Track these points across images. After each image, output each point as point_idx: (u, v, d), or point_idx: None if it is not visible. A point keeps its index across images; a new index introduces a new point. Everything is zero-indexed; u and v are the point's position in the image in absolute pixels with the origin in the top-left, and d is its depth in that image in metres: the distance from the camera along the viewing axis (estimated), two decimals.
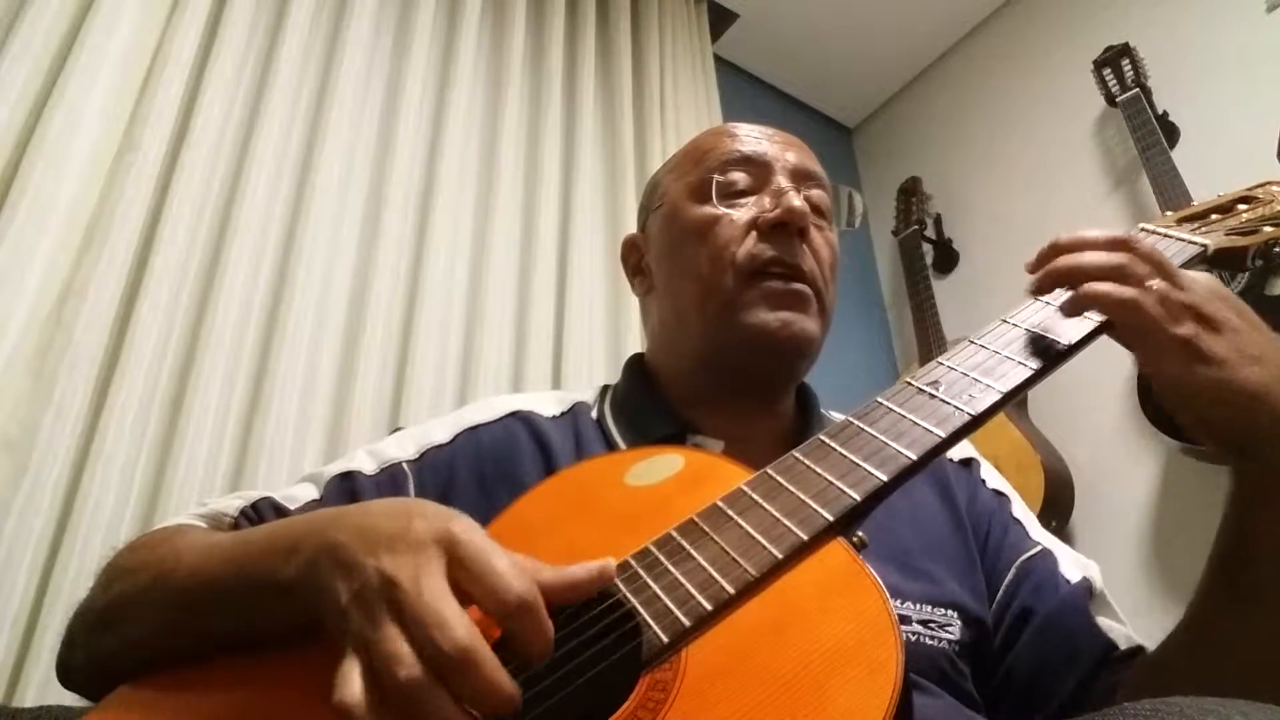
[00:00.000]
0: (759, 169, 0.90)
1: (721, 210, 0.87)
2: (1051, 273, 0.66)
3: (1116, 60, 2.27)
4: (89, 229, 1.49)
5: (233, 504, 0.78)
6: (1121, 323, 0.61)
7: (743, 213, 0.87)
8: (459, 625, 0.46)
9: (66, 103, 1.50)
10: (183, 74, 1.69)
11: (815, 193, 0.91)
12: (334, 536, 0.52)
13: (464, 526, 0.51)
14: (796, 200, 0.85)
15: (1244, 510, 0.64)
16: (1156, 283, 0.61)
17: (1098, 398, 2.17)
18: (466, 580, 0.48)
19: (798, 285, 0.84)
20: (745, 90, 2.99)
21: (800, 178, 0.90)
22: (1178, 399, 0.62)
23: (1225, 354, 0.59)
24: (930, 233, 2.81)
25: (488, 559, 0.49)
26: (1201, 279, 0.63)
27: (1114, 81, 2.26)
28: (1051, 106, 2.60)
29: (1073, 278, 0.64)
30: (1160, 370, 0.61)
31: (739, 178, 0.89)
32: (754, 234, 0.85)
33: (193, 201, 1.63)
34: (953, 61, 3.02)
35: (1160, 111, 2.20)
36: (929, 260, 2.77)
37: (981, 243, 2.73)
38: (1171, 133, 2.19)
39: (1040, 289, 0.67)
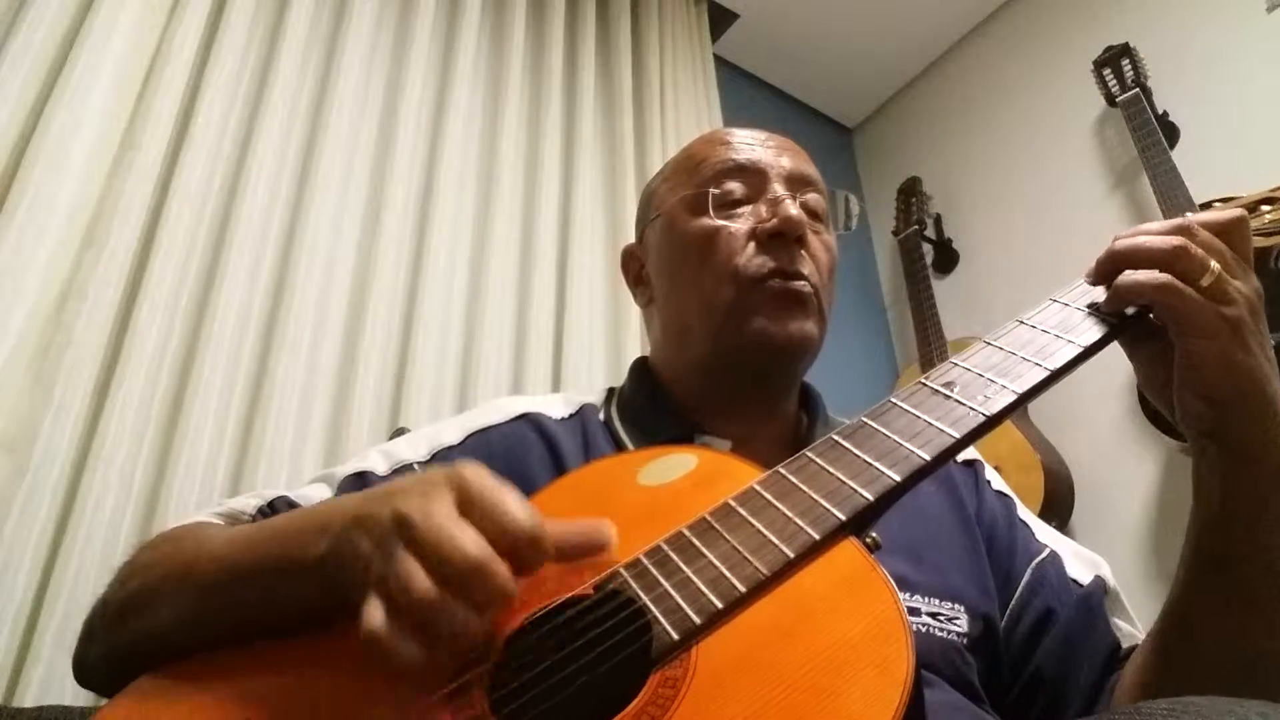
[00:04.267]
0: (754, 177, 0.90)
1: (719, 222, 0.87)
2: (1111, 256, 0.65)
3: (1116, 60, 2.28)
4: (89, 229, 1.49)
5: (249, 503, 0.79)
6: (1162, 304, 0.61)
7: (740, 223, 0.87)
8: (467, 539, 0.48)
9: (66, 103, 1.50)
10: (183, 74, 1.69)
11: (811, 197, 0.91)
12: (361, 508, 0.54)
13: (472, 468, 0.53)
14: (794, 209, 0.85)
15: (1224, 505, 0.64)
16: (1215, 265, 0.61)
17: (1098, 398, 2.17)
18: (476, 515, 0.50)
19: (797, 284, 0.84)
20: (745, 90, 2.99)
21: (796, 184, 0.90)
22: (1198, 376, 0.62)
23: (1256, 344, 0.61)
24: (930, 233, 2.81)
25: (497, 494, 0.51)
26: (1252, 279, 0.64)
27: (1114, 81, 2.27)
28: (1051, 106, 2.61)
29: (1131, 261, 0.63)
30: (1196, 348, 0.61)
31: (735, 187, 0.89)
32: (753, 244, 0.85)
33: (193, 201, 1.63)
34: (953, 61, 3.02)
35: (1160, 111, 2.21)
36: (929, 260, 2.78)
37: (981, 243, 2.73)
38: (1171, 133, 2.20)
39: (1098, 276, 0.66)
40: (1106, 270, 0.65)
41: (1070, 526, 2.18)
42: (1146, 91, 2.21)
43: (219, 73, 1.74)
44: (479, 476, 0.52)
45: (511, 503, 0.51)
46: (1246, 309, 0.61)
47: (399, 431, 1.45)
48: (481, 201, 2.03)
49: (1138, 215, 2.24)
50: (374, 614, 0.47)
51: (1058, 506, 2.15)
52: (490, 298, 1.90)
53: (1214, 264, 0.61)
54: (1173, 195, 1.99)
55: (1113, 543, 2.09)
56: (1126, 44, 2.28)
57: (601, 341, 2.02)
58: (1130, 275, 0.62)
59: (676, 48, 2.58)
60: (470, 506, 0.51)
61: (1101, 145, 2.42)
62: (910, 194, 2.84)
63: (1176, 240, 0.62)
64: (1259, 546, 0.63)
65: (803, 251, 0.85)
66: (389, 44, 2.08)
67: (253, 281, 1.65)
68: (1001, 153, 2.75)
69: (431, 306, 1.82)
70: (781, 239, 0.84)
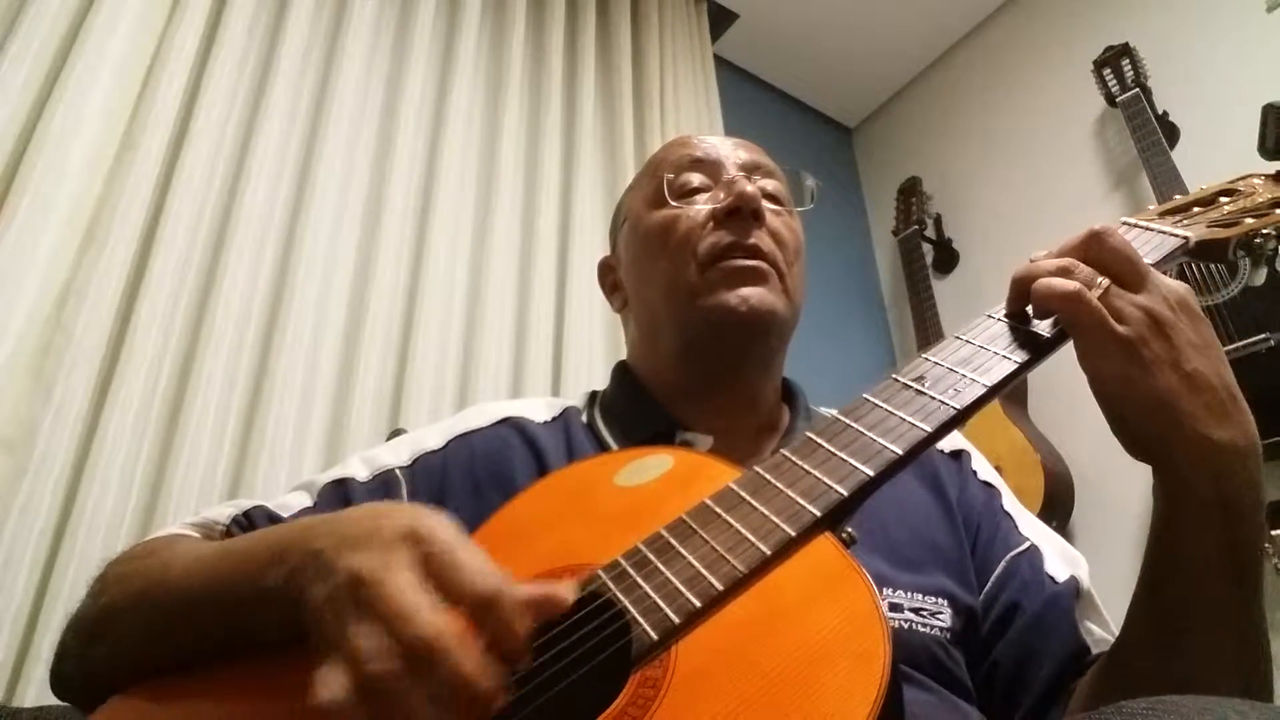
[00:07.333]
0: (711, 167, 0.93)
1: (677, 209, 0.90)
2: (1012, 283, 0.66)
3: (1116, 60, 2.27)
4: (89, 229, 1.49)
5: (225, 512, 0.78)
6: (1063, 316, 0.62)
7: (699, 208, 0.89)
8: (425, 615, 0.44)
9: (66, 103, 1.50)
10: (183, 74, 1.70)
11: (769, 182, 0.93)
12: (313, 544, 0.52)
13: (431, 522, 0.50)
14: (748, 186, 0.87)
15: (1157, 528, 0.63)
16: (1103, 280, 0.61)
17: None
18: (435, 575, 0.47)
19: (754, 262, 0.85)
20: (745, 90, 2.99)
21: (752, 170, 0.93)
22: (1105, 398, 0.61)
23: (1158, 361, 0.59)
24: (930, 233, 2.81)
25: (454, 554, 0.48)
26: (1176, 285, 0.63)
27: (1114, 81, 2.26)
28: (1051, 106, 2.60)
29: (1026, 282, 0.64)
30: (1094, 366, 0.61)
31: (692, 177, 0.92)
32: (712, 224, 0.87)
33: (193, 201, 1.63)
34: (953, 61, 3.02)
35: (1160, 111, 2.20)
36: (929, 260, 2.77)
37: (981, 243, 2.73)
38: (1171, 133, 2.19)
39: (1010, 306, 0.67)
40: (1014, 298, 0.66)
41: (1070, 526, 2.18)
42: (1146, 91, 2.21)
43: (219, 73, 1.75)
44: (438, 533, 0.49)
45: (471, 563, 0.47)
46: (1145, 325, 0.59)
47: (397, 432, 1.46)
48: (481, 201, 2.04)
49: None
50: (328, 684, 0.43)
51: (1058, 506, 2.15)
52: (490, 298, 1.91)
53: (1101, 279, 0.61)
54: (1172, 195, 1.99)
55: (1112, 542, 2.09)
56: (1126, 44, 2.28)
57: (601, 341, 2.02)
58: (1043, 281, 0.62)
59: (676, 48, 2.59)
60: (431, 567, 0.48)
61: (1101, 145, 2.42)
62: (910, 194, 2.84)
63: (1062, 261, 0.63)
64: (1183, 579, 0.62)
65: (763, 229, 0.87)
66: (389, 44, 2.09)
67: (253, 281, 1.65)
68: (1002, 153, 2.75)
69: (431, 306, 1.83)
70: (738, 214, 0.86)
